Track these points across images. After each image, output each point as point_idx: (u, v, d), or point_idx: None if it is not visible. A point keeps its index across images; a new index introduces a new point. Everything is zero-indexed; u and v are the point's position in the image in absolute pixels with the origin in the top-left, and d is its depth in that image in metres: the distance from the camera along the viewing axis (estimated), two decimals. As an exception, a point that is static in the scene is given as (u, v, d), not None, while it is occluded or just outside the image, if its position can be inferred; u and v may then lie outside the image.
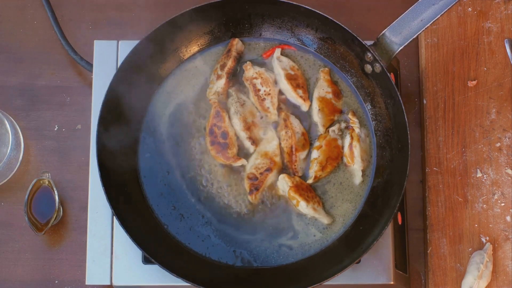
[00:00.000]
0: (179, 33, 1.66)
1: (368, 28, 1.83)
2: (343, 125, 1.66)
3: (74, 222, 1.73)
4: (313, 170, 1.62)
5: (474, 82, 1.77)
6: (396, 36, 1.55)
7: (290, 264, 1.59)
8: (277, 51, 1.69)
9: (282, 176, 1.61)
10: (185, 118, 1.66)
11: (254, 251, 1.59)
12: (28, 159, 1.77)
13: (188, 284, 1.52)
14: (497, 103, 1.75)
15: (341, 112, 1.67)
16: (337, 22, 1.61)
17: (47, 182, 1.68)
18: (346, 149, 1.64)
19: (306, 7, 1.62)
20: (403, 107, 1.56)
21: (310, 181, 1.62)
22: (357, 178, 1.63)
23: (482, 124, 1.74)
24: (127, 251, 1.60)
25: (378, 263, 1.60)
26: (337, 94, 1.67)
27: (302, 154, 1.64)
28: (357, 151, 1.62)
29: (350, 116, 1.66)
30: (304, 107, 1.67)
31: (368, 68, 1.63)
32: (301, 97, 1.66)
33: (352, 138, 1.64)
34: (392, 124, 1.62)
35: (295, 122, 1.65)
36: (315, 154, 1.63)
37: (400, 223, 1.66)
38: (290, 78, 1.67)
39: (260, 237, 1.60)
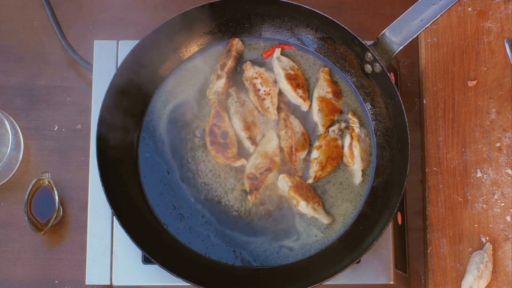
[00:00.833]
0: (179, 33, 1.66)
1: (368, 28, 1.83)
2: (343, 125, 1.66)
3: (74, 222, 1.73)
4: (313, 170, 1.62)
5: (474, 82, 1.77)
6: (396, 36, 1.55)
7: (290, 264, 1.59)
8: (277, 51, 1.69)
9: (282, 176, 1.61)
10: (185, 118, 1.66)
11: (254, 251, 1.59)
12: (28, 159, 1.77)
13: (188, 284, 1.52)
14: (497, 103, 1.75)
15: (341, 112, 1.67)
16: (337, 22, 1.61)
17: (47, 182, 1.68)
18: (346, 149, 1.64)
19: (306, 7, 1.63)
20: (403, 107, 1.56)
21: (310, 181, 1.62)
22: (357, 178, 1.63)
23: (482, 124, 1.74)
24: (127, 251, 1.60)
25: (378, 263, 1.60)
26: (337, 94, 1.67)
27: (302, 154, 1.64)
28: (357, 151, 1.62)
29: (350, 116, 1.66)
30: (304, 107, 1.67)
31: (368, 68, 1.63)
32: (301, 97, 1.66)
33: (352, 138, 1.64)
34: (392, 124, 1.62)
35: (295, 122, 1.65)
36: (315, 154, 1.64)
37: (400, 223, 1.66)
38: (290, 78, 1.67)
39: (260, 237, 1.60)
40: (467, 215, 1.70)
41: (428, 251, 1.69)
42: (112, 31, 1.85)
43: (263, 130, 1.66)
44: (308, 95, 1.68)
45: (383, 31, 1.56)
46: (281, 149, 1.64)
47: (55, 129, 1.78)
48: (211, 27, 1.69)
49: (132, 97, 1.64)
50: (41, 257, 1.72)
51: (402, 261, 1.64)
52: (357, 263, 1.58)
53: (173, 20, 1.63)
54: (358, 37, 1.60)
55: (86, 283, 1.60)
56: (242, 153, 1.64)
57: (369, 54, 1.60)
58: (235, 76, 1.68)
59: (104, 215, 1.62)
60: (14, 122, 1.75)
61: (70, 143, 1.78)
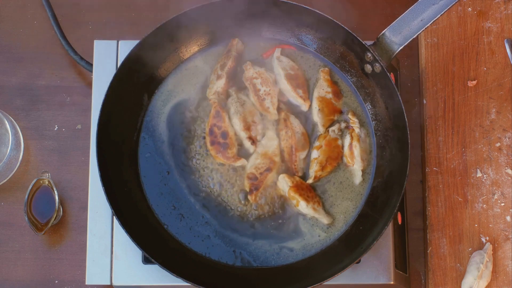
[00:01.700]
0: (179, 33, 1.66)
1: (368, 28, 1.83)
2: (343, 125, 1.66)
3: (74, 222, 1.73)
4: (313, 170, 1.62)
5: (474, 82, 1.77)
6: (396, 36, 1.55)
7: (290, 264, 1.59)
8: (277, 51, 1.69)
9: (282, 176, 1.61)
10: (185, 118, 1.66)
11: (254, 251, 1.59)
12: (28, 159, 1.77)
13: (188, 284, 1.52)
14: (497, 103, 1.75)
15: (341, 112, 1.67)
16: (337, 22, 1.61)
17: (47, 182, 1.68)
18: (346, 149, 1.64)
19: (306, 7, 1.62)
20: (403, 107, 1.57)
21: (310, 181, 1.62)
22: (357, 178, 1.63)
23: (482, 124, 1.74)
24: (127, 251, 1.60)
25: (378, 263, 1.60)
26: (337, 94, 1.67)
27: (302, 154, 1.64)
28: (357, 151, 1.62)
29: (350, 116, 1.66)
30: (304, 107, 1.67)
31: (368, 68, 1.63)
32: (301, 97, 1.66)
33: (352, 138, 1.64)
34: (392, 124, 1.62)
35: (295, 122, 1.65)
36: (315, 154, 1.64)
37: (400, 223, 1.66)
38: (290, 78, 1.67)
39: (260, 237, 1.60)
40: (467, 215, 1.70)
41: (428, 251, 1.69)
42: (112, 31, 1.85)
43: (263, 130, 1.66)
44: (308, 95, 1.68)
45: (383, 31, 1.56)
46: (281, 149, 1.64)
47: (55, 129, 1.78)
48: (211, 27, 1.69)
49: (132, 97, 1.64)
50: (41, 257, 1.72)
51: (402, 261, 1.64)
52: (357, 263, 1.58)
53: (173, 20, 1.63)
54: (358, 37, 1.60)
55: (86, 283, 1.60)
56: (242, 153, 1.64)
57: (369, 54, 1.60)
58: (235, 76, 1.68)
59: (104, 215, 1.62)
60: (14, 122, 1.75)
61: (70, 143, 1.78)
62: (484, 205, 1.70)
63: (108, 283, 1.59)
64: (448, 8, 1.53)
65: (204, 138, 1.65)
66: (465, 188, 1.71)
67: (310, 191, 1.61)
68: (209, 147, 1.63)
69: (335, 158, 1.63)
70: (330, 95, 1.67)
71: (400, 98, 1.57)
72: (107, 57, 1.69)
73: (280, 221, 1.61)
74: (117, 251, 1.60)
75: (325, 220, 1.60)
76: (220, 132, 1.63)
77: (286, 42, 1.71)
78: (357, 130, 1.64)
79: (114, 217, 1.56)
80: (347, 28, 1.60)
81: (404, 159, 1.56)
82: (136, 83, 1.64)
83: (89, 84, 1.73)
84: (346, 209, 1.62)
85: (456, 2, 1.53)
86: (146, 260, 1.59)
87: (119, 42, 1.71)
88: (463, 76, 1.77)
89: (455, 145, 1.74)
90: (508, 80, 1.77)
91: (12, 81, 1.81)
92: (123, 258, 1.60)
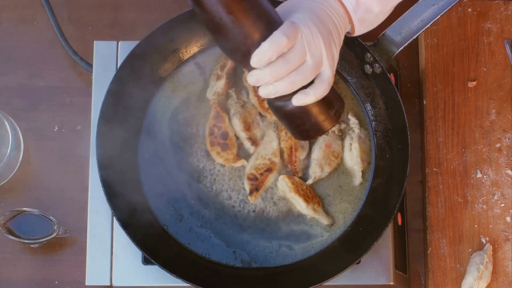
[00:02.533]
0: (179, 33, 1.66)
1: (368, 29, 1.83)
2: (342, 125, 1.66)
3: (74, 222, 1.73)
4: (313, 170, 1.62)
5: (474, 83, 1.77)
6: (396, 37, 1.55)
7: (290, 265, 1.59)
8: (277, 52, 1.69)
9: (281, 176, 1.61)
10: (185, 118, 1.66)
11: (254, 251, 1.59)
12: (28, 159, 1.77)
13: (188, 285, 1.52)
14: (497, 104, 1.75)
15: (340, 112, 1.68)
16: (337, 22, 1.61)
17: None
18: (346, 150, 1.64)
19: (306, 7, 1.62)
20: (403, 107, 1.57)
21: (310, 181, 1.62)
22: (357, 179, 1.63)
23: (482, 125, 1.74)
24: (127, 251, 1.60)
25: (378, 264, 1.60)
26: (337, 94, 1.67)
27: (302, 155, 1.64)
28: (356, 151, 1.62)
29: (349, 116, 1.66)
30: (304, 107, 1.67)
31: (368, 68, 1.63)
32: (301, 97, 1.66)
33: (351, 138, 1.64)
34: (392, 124, 1.62)
35: (295, 123, 1.65)
36: (315, 154, 1.63)
37: (400, 223, 1.66)
38: (290, 78, 1.66)
39: (260, 237, 1.60)
40: (467, 215, 1.70)
41: (428, 252, 1.69)
42: (112, 31, 1.85)
43: (263, 130, 1.66)
44: (308, 95, 1.67)
45: (383, 32, 1.56)
46: (281, 149, 1.64)
47: (55, 129, 1.78)
48: (211, 28, 1.69)
49: (132, 97, 1.64)
50: (41, 258, 1.72)
51: (402, 261, 1.64)
52: (357, 263, 1.58)
53: (173, 20, 1.63)
54: (358, 38, 1.59)
55: (86, 284, 1.60)
56: (242, 153, 1.64)
57: (369, 55, 1.60)
58: (235, 77, 1.68)
59: (104, 215, 1.62)
60: (14, 122, 1.75)
61: (70, 143, 1.78)
62: (484, 206, 1.70)
63: (108, 284, 1.59)
64: (448, 9, 1.53)
65: (204, 138, 1.65)
66: (465, 189, 1.71)
67: (310, 191, 1.61)
68: (209, 147, 1.63)
69: (335, 159, 1.63)
70: (330, 96, 1.67)
71: (400, 99, 1.57)
72: (107, 58, 1.69)
73: (280, 221, 1.61)
74: (117, 251, 1.60)
75: (325, 220, 1.60)
76: (220, 133, 1.63)
77: (286, 43, 1.70)
78: (357, 130, 1.64)
79: (114, 217, 1.56)
80: (347, 29, 1.60)
81: (404, 159, 1.56)
82: (136, 83, 1.64)
83: (89, 85, 1.73)
84: (346, 209, 1.62)
85: (456, 3, 1.53)
86: (146, 261, 1.59)
87: (119, 42, 1.71)
88: (463, 77, 1.77)
89: (455, 145, 1.74)
90: (508, 80, 1.77)
91: (11, 82, 1.81)
92: (123, 259, 1.60)
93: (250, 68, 1.29)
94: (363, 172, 1.63)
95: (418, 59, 1.82)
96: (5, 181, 1.74)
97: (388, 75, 1.58)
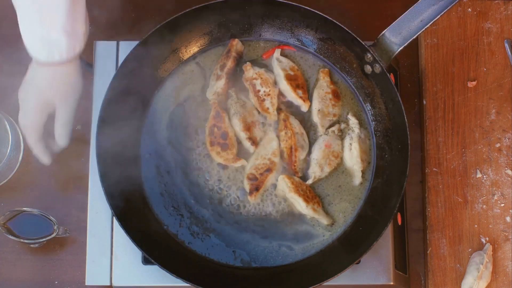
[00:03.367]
0: (179, 33, 1.67)
1: (368, 29, 1.83)
2: (342, 125, 1.66)
3: (74, 222, 1.73)
4: (313, 170, 1.62)
5: (474, 83, 1.77)
6: (396, 37, 1.55)
7: (290, 264, 1.59)
8: (277, 52, 1.69)
9: (281, 176, 1.61)
10: (185, 118, 1.66)
11: (254, 251, 1.59)
12: (28, 159, 1.76)
13: (188, 285, 1.52)
14: (497, 104, 1.75)
15: (340, 112, 1.67)
16: (337, 22, 1.61)
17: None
18: (345, 150, 1.64)
19: (306, 7, 1.62)
20: (402, 107, 1.57)
21: (309, 181, 1.62)
22: (357, 179, 1.63)
23: (482, 125, 1.74)
24: (127, 251, 1.60)
25: (378, 264, 1.60)
26: (337, 94, 1.67)
27: (302, 155, 1.64)
28: (356, 151, 1.62)
29: (349, 116, 1.66)
30: (304, 107, 1.67)
31: (368, 68, 1.63)
32: (301, 97, 1.66)
33: (351, 138, 1.64)
34: (392, 124, 1.62)
35: (294, 123, 1.65)
36: (314, 154, 1.64)
37: (400, 223, 1.66)
38: (289, 78, 1.67)
39: (260, 237, 1.60)
40: (467, 215, 1.70)
41: (428, 252, 1.69)
42: (112, 31, 1.85)
43: (263, 130, 1.66)
44: (308, 95, 1.68)
45: (383, 32, 1.56)
46: (281, 149, 1.64)
47: (55, 129, 1.78)
48: (211, 28, 1.69)
49: (132, 97, 1.64)
50: (41, 257, 1.72)
51: (402, 261, 1.64)
52: (357, 263, 1.58)
53: (173, 20, 1.63)
54: (358, 38, 1.60)
55: (86, 284, 1.60)
56: (242, 153, 1.64)
57: (369, 55, 1.60)
58: (235, 77, 1.68)
59: (104, 215, 1.62)
60: (14, 122, 1.75)
61: (70, 143, 1.78)
62: (484, 206, 1.70)
63: (108, 284, 1.59)
64: (448, 9, 1.53)
65: (204, 138, 1.65)
66: (465, 189, 1.71)
67: (310, 191, 1.61)
68: (209, 147, 1.63)
69: (335, 159, 1.63)
70: (330, 96, 1.67)
71: (400, 99, 1.57)
72: (107, 58, 1.70)
73: (280, 221, 1.61)
74: (117, 251, 1.60)
75: (325, 220, 1.60)
76: (220, 133, 1.63)
77: (286, 43, 1.71)
78: (356, 130, 1.64)
79: (114, 217, 1.56)
80: (347, 29, 1.60)
81: (404, 159, 1.56)
82: (136, 83, 1.64)
83: (89, 85, 1.73)
84: (346, 209, 1.62)
85: (456, 3, 1.53)
86: (146, 261, 1.59)
87: (119, 42, 1.71)
88: (463, 77, 1.77)
89: (455, 145, 1.74)
90: (508, 80, 1.77)
91: (11, 82, 1.81)
92: (123, 259, 1.60)
93: None
94: (363, 172, 1.63)
95: (418, 59, 1.82)
96: (5, 181, 1.74)
97: (388, 75, 1.59)
